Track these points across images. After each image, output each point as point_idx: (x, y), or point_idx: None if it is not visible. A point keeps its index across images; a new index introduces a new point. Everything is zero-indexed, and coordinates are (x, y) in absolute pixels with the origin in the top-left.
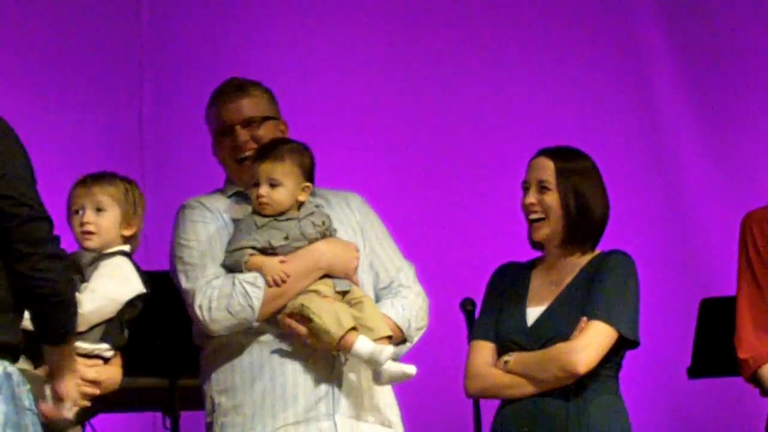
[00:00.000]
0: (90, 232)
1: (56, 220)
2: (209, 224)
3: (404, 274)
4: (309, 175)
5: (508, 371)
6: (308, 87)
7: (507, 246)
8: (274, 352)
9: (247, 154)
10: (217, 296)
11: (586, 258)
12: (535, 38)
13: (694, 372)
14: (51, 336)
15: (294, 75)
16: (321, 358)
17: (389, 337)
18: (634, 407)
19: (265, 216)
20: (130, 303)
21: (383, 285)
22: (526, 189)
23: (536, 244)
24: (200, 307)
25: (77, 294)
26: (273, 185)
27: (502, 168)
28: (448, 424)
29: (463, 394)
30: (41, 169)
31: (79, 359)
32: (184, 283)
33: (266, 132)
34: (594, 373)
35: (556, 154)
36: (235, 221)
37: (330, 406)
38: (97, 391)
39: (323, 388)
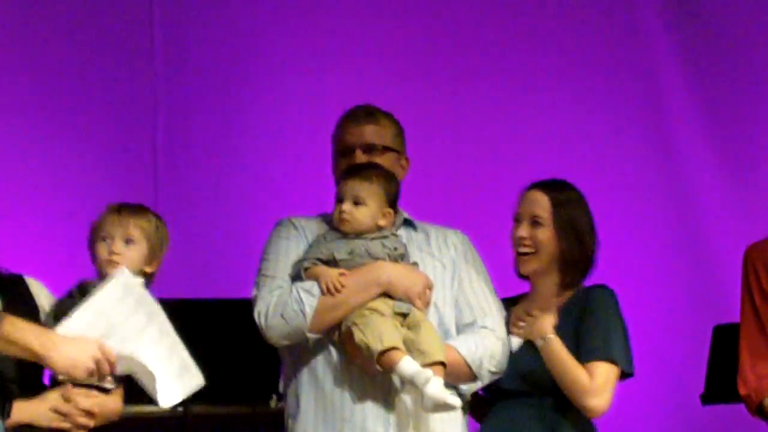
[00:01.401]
0: (117, 263)
1: (66, 237)
2: (291, 240)
3: (491, 318)
4: (393, 202)
5: None
6: (323, 95)
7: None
8: (337, 371)
9: None
10: (275, 303)
11: (568, 293)
12: (545, 55)
13: (707, 398)
14: None
15: (309, 88)
16: (380, 383)
17: (443, 365)
18: None
19: (340, 232)
20: None
21: (466, 322)
22: (517, 221)
23: (522, 276)
24: (259, 313)
25: None
26: (357, 203)
27: (510, 184)
28: None
29: None
30: (54, 197)
31: (75, 389)
32: (253, 292)
33: (385, 162)
34: (571, 410)
35: (551, 188)
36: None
37: (386, 429)
38: (91, 423)
39: (380, 414)
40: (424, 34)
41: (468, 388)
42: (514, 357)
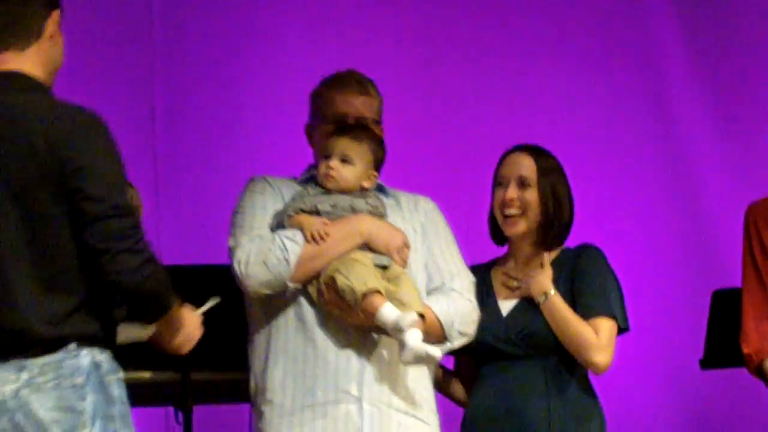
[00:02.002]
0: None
1: None
2: (267, 195)
3: (459, 281)
4: (378, 166)
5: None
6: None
7: None
8: (310, 325)
9: None
10: (256, 251)
11: (553, 254)
12: (548, 39)
13: (706, 363)
14: (144, 318)
15: (308, 73)
16: (355, 337)
17: (422, 317)
18: (647, 398)
19: (322, 188)
20: None
21: (434, 285)
22: (501, 184)
23: (502, 240)
24: (239, 261)
25: None
26: (344, 161)
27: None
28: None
29: None
30: None
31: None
32: (229, 243)
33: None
34: (573, 370)
35: (535, 151)
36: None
37: (359, 390)
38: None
39: (355, 368)
40: (431, 11)
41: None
42: (508, 319)
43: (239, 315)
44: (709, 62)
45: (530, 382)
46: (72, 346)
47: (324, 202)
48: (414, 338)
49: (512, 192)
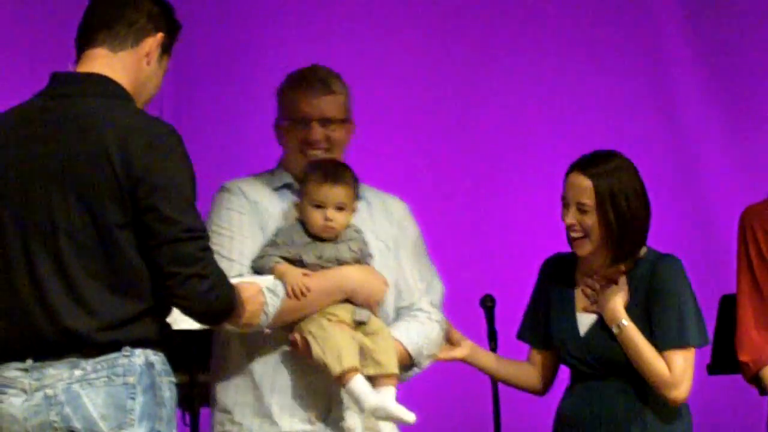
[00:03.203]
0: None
1: None
2: (244, 215)
3: (427, 299)
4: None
5: None
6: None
7: (527, 243)
8: (282, 359)
9: (317, 152)
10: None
11: (627, 266)
12: (554, 41)
13: (714, 368)
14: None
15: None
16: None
17: (394, 377)
18: None
19: (307, 232)
20: None
21: (404, 304)
22: (565, 206)
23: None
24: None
25: None
26: (340, 209)
27: (524, 167)
28: (467, 422)
29: (481, 391)
30: None
31: None
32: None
33: (340, 135)
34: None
35: (593, 170)
36: (279, 229)
37: (328, 424)
38: None
39: (324, 402)
40: (438, 13)
41: (406, 375)
42: (587, 340)
43: None
44: (717, 65)
45: (621, 395)
46: (126, 347)
47: (309, 253)
48: (389, 399)
49: (571, 218)
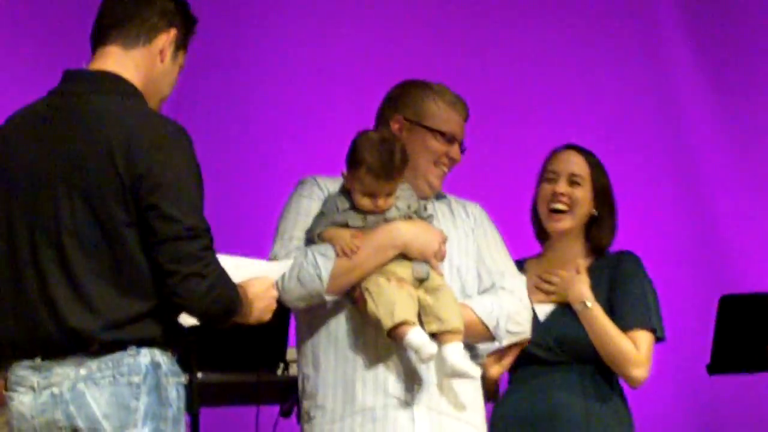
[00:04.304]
0: None
1: None
2: (313, 200)
3: (509, 279)
4: None
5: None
6: (327, 82)
7: (527, 240)
8: (357, 329)
9: (444, 168)
10: (291, 266)
11: (591, 259)
12: (555, 35)
13: (713, 369)
14: (213, 326)
15: (317, 71)
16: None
17: (458, 333)
18: (654, 403)
19: (353, 205)
20: None
21: (485, 286)
22: (550, 179)
23: (544, 235)
24: None
25: None
26: (388, 195)
27: (523, 165)
28: None
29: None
30: None
31: None
32: (270, 252)
33: (458, 157)
34: (611, 378)
35: (586, 152)
36: (325, 199)
37: (409, 395)
38: None
39: (404, 373)
40: (437, 6)
41: (486, 348)
42: (545, 324)
43: None
44: (718, 62)
45: (567, 388)
46: (132, 346)
47: (354, 217)
48: (452, 354)
49: (562, 187)
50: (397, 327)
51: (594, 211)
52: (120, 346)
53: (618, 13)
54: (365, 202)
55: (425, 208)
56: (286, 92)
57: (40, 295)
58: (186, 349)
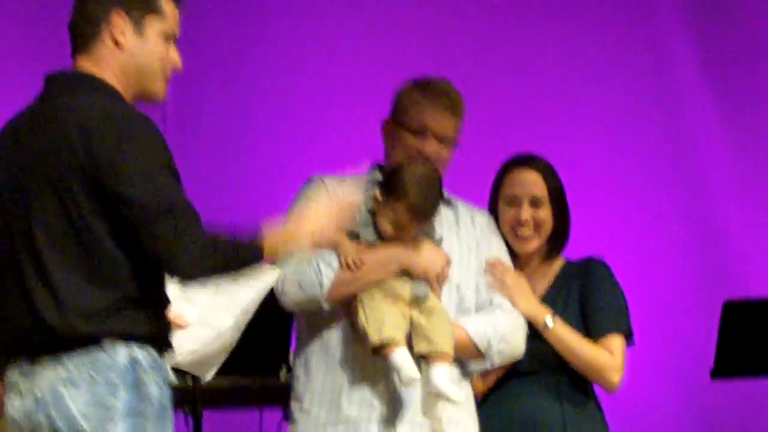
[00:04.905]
0: None
1: None
2: (320, 204)
3: (506, 299)
4: None
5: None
6: (334, 80)
7: None
8: (350, 340)
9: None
10: (293, 270)
11: (556, 265)
12: (557, 36)
13: (717, 373)
14: (247, 270)
15: (319, 71)
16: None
17: (447, 355)
18: (657, 409)
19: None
20: None
21: (482, 301)
22: (511, 204)
23: (512, 253)
24: (276, 279)
25: None
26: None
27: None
28: None
29: None
30: None
31: None
32: None
33: (448, 156)
34: (581, 378)
35: (536, 164)
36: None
37: (395, 412)
38: None
39: (391, 390)
40: (442, 4)
41: (476, 366)
42: None
43: (249, 321)
44: (721, 66)
45: (544, 396)
46: (108, 341)
47: (368, 230)
48: (438, 377)
49: (526, 213)
50: (383, 345)
51: (554, 223)
52: (94, 339)
53: (620, 14)
54: (389, 230)
55: (434, 230)
56: (289, 92)
57: (20, 296)
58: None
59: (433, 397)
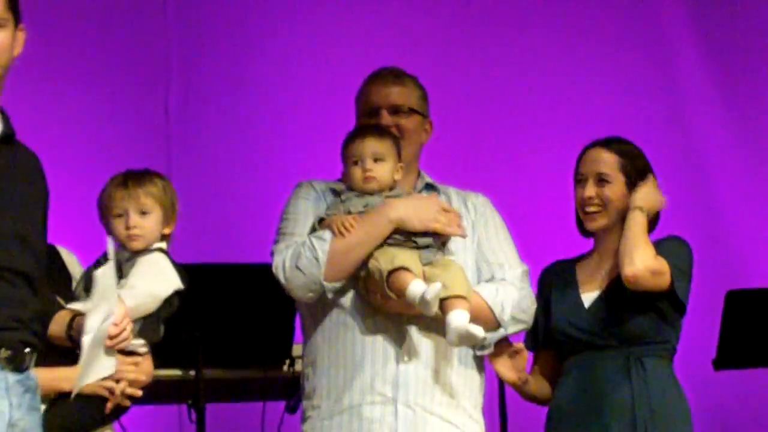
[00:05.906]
0: (137, 236)
1: (83, 211)
2: (310, 201)
3: (510, 271)
4: (400, 158)
5: None
6: (336, 76)
7: (540, 234)
8: (351, 329)
9: None
10: (290, 255)
11: None
12: (562, 36)
13: (719, 364)
14: None
15: (321, 69)
16: (394, 339)
17: (464, 299)
18: None
19: (355, 192)
20: (168, 300)
21: (484, 278)
22: (580, 182)
23: (589, 233)
24: (276, 267)
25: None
26: (377, 160)
27: (528, 167)
28: None
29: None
30: (69, 163)
31: (120, 357)
32: (272, 250)
33: (411, 124)
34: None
35: (612, 143)
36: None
37: (394, 391)
38: (138, 393)
39: (391, 371)
40: (431, 5)
41: (491, 336)
42: (590, 310)
43: (252, 314)
44: (726, 66)
45: (614, 373)
46: None
47: (356, 205)
48: (457, 318)
49: (590, 190)
50: (396, 273)
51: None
52: None
53: (625, 15)
54: (356, 171)
55: (403, 190)
56: (287, 94)
57: None
58: (192, 346)
59: (454, 344)
